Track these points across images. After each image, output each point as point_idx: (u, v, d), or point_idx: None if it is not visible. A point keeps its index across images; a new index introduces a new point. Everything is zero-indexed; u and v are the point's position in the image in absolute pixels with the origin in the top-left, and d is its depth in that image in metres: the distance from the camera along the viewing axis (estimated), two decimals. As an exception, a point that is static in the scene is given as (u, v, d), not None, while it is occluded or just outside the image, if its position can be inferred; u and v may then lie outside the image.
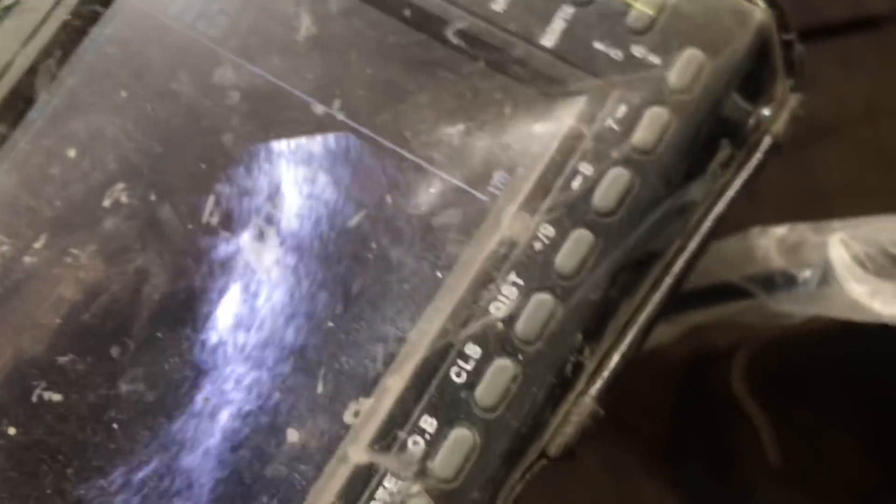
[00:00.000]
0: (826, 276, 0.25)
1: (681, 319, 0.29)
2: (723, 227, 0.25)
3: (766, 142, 0.22)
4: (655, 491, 0.42)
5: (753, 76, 0.22)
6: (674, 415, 0.45)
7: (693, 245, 0.21)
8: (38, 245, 0.22)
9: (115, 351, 0.21)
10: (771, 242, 0.26)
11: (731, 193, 0.22)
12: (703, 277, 0.28)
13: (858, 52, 0.48)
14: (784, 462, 0.41)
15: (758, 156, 0.22)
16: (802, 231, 0.26)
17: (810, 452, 0.42)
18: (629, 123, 0.21)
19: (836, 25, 0.49)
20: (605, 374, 0.21)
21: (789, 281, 0.25)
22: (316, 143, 0.22)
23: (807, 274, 0.25)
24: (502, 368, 0.20)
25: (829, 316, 0.25)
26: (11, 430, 0.21)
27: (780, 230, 0.27)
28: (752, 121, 0.22)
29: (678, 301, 0.29)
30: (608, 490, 0.42)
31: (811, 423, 0.42)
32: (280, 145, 0.22)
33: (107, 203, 0.22)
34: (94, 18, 0.23)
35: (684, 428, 0.44)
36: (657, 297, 0.21)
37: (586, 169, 0.21)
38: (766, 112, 0.22)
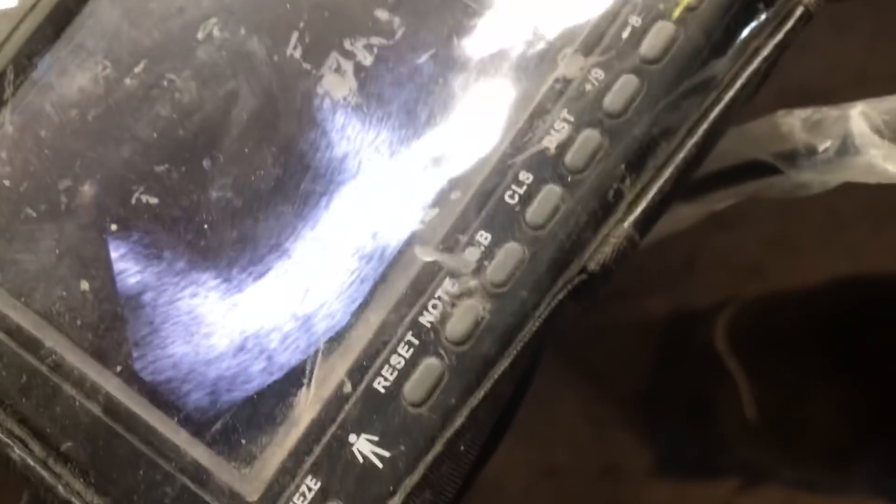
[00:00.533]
0: (846, 144, 0.27)
1: (706, 199, 0.32)
2: (745, 104, 0.27)
3: (800, 10, 0.25)
4: (632, 442, 0.44)
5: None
6: (653, 369, 0.47)
7: (727, 98, 0.24)
8: (138, 69, 0.25)
9: (206, 163, 0.24)
10: (795, 121, 0.29)
11: (764, 54, 0.24)
12: (731, 157, 0.31)
13: (851, 16, 0.48)
14: (761, 418, 0.42)
15: (791, 22, 0.24)
16: (826, 111, 0.28)
17: (787, 409, 0.43)
18: (677, -18, 0.23)
19: None
20: (643, 204, 0.23)
21: (811, 152, 0.27)
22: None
23: (827, 144, 0.27)
24: (551, 192, 0.23)
25: (847, 180, 0.27)
26: (113, 227, 0.24)
27: (804, 112, 0.29)
28: (787, -11, 0.25)
29: (704, 183, 0.32)
30: (586, 440, 0.44)
31: (790, 381, 0.44)
32: (358, -9, 0.24)
33: (200, 35, 0.25)
34: None
35: (663, 382, 0.46)
36: (692, 141, 0.23)
37: (635, 21, 0.23)
38: (800, -19, 0.25)
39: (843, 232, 0.45)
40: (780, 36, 0.25)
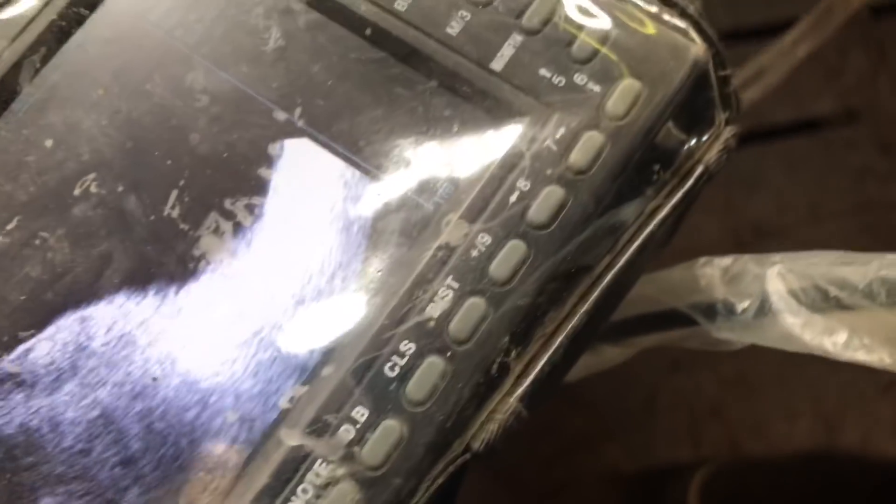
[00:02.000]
0: (763, 306, 0.26)
1: (630, 342, 0.31)
2: (656, 253, 0.26)
3: (699, 170, 0.24)
4: None
5: (688, 107, 0.24)
6: None
7: (621, 262, 0.23)
8: (10, 226, 0.24)
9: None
10: (716, 272, 0.28)
11: (661, 216, 0.23)
12: (651, 304, 0.30)
13: (802, 153, 0.49)
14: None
15: (689, 182, 0.24)
16: (745, 262, 0.27)
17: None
18: (566, 145, 0.23)
19: (780, 127, 0.50)
20: (531, 377, 0.22)
21: (729, 310, 0.26)
22: (275, 147, 0.24)
23: (745, 304, 0.26)
24: (433, 365, 0.21)
25: (765, 345, 0.27)
26: (-30, 398, 0.22)
27: (725, 261, 0.28)
28: (685, 149, 0.24)
29: (627, 326, 0.31)
30: None
31: None
32: (241, 148, 0.24)
33: (77, 191, 0.24)
34: (79, 21, 0.25)
35: None
36: (584, 309, 0.23)
37: (524, 185, 0.23)
38: (700, 141, 0.24)
39: (801, 369, 0.44)
40: (678, 196, 0.24)
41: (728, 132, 0.24)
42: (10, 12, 0.25)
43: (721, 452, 0.46)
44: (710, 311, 0.27)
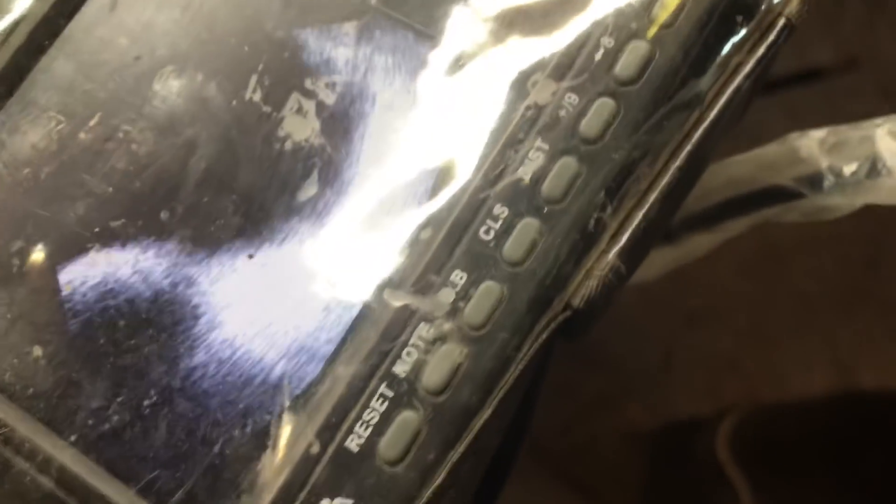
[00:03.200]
0: (875, 166, 0.26)
1: (722, 227, 0.30)
2: (737, 117, 0.26)
3: (781, 22, 0.23)
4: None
5: (768, -42, 0.23)
6: (647, 481, 0.46)
7: (711, 116, 0.22)
8: (92, 123, 0.24)
9: (164, 215, 0.22)
10: (813, 143, 0.27)
11: (747, 69, 0.23)
12: (743, 185, 0.29)
13: (805, 104, 0.48)
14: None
15: (772, 35, 0.23)
16: (842, 132, 0.27)
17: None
18: (649, 0, 0.22)
19: (781, 79, 0.49)
20: (627, 233, 0.22)
21: (837, 175, 0.26)
22: (351, 25, 0.23)
23: (854, 167, 0.26)
24: (528, 225, 0.21)
25: (878, 203, 0.26)
26: (67, 289, 0.22)
27: (819, 133, 0.28)
28: (765, 2, 0.23)
29: (717, 211, 0.31)
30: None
31: (789, 495, 0.43)
32: (318, 29, 0.24)
33: (157, 84, 0.24)
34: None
35: (658, 494, 0.44)
36: (676, 165, 0.22)
37: (608, 42, 0.22)
38: (780, -6, 0.24)
39: (815, 317, 0.44)
40: (761, 50, 0.23)
41: (808, -17, 0.24)
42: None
43: (741, 405, 0.45)
44: (816, 180, 0.27)
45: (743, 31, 0.23)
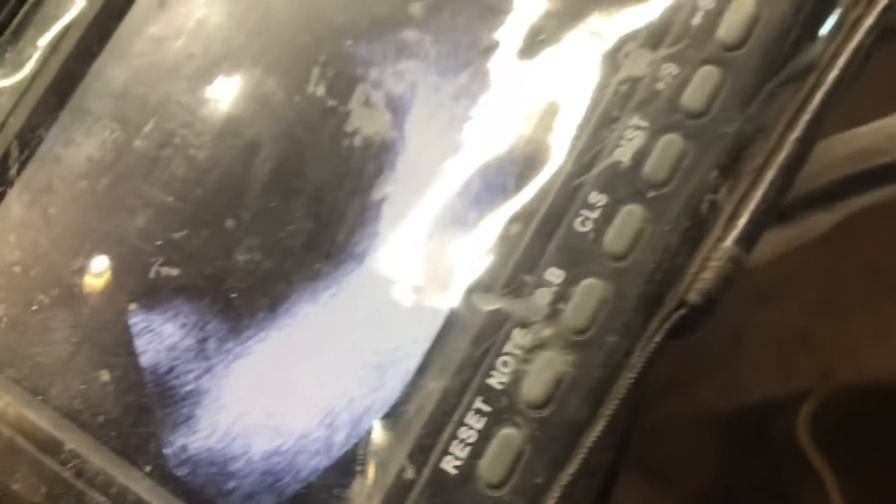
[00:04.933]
0: None
1: (842, 206, 0.28)
2: (855, 80, 0.23)
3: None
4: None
5: None
6: (724, 466, 0.43)
7: (830, 79, 0.20)
8: (147, 129, 0.22)
9: (229, 223, 0.21)
10: None
11: (868, 24, 0.20)
12: (870, 158, 0.27)
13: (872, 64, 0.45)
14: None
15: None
16: None
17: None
18: (753, -48, 0.20)
19: None
20: (746, 216, 0.19)
21: None
22: (416, 6, 0.21)
23: None
24: (631, 213, 0.19)
25: None
26: (132, 307, 0.21)
27: None
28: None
29: (838, 188, 0.28)
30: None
31: (878, 480, 0.40)
32: (381, 12, 0.22)
33: (212, 82, 0.22)
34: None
35: (735, 479, 0.42)
36: (794, 136, 0.20)
37: (707, 2, 0.20)
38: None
39: (890, 291, 0.41)
40: (883, 2, 0.21)
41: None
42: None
43: (814, 381, 0.43)
44: None
45: (857, -14, 0.21)
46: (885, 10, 0.21)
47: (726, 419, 0.44)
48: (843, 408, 0.42)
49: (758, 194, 0.19)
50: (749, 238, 0.19)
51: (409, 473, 0.18)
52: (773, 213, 0.22)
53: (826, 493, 0.38)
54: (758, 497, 0.40)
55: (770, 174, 0.19)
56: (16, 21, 0.24)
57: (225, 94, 0.22)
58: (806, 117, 0.20)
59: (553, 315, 0.18)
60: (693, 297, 0.19)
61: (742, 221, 0.19)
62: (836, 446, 0.40)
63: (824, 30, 0.20)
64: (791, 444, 0.40)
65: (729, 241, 0.19)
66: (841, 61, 0.20)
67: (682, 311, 0.19)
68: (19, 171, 0.22)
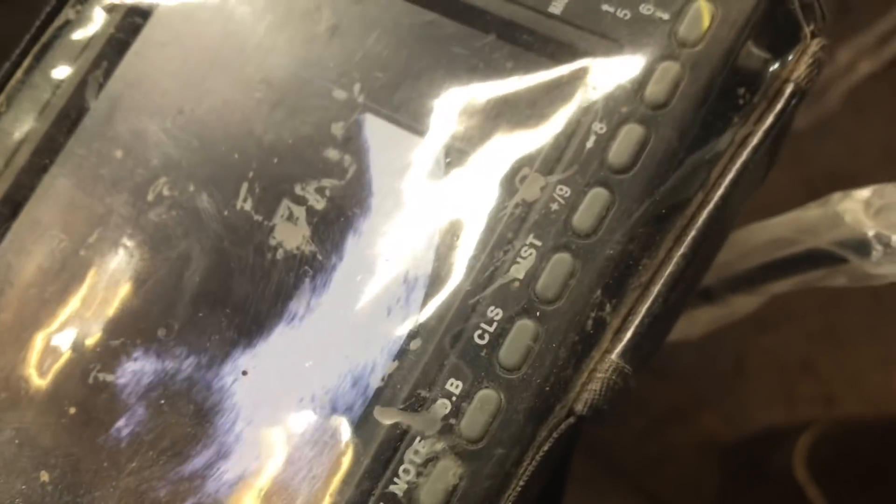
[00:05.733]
0: None
1: (763, 290, 0.29)
2: (754, 187, 0.25)
3: (789, 89, 0.22)
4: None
5: (768, 24, 0.22)
6: (724, 495, 0.44)
7: (716, 198, 0.21)
8: (91, 239, 0.24)
9: (161, 332, 0.22)
10: (857, 206, 0.26)
11: (754, 143, 0.21)
12: (785, 246, 0.28)
13: (869, 95, 0.46)
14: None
15: (780, 104, 0.22)
16: (890, 192, 0.25)
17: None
18: (640, 80, 0.21)
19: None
20: (630, 331, 0.20)
21: (886, 246, 0.24)
22: (338, 126, 0.23)
23: None
24: (523, 328, 0.20)
25: None
26: (72, 410, 0.23)
27: (864, 193, 0.26)
28: (771, 69, 0.22)
29: (759, 273, 0.29)
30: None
31: None
32: (305, 132, 0.23)
33: (151, 196, 0.24)
34: (135, 30, 0.25)
35: None
36: (680, 253, 0.21)
37: (599, 127, 0.21)
38: (786, 58, 0.22)
39: (892, 318, 0.42)
40: (769, 120, 0.22)
41: (816, 45, 0.22)
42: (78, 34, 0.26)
43: (816, 408, 0.43)
44: (862, 246, 0.26)
45: (747, 104, 0.22)
46: (770, 129, 0.22)
47: (726, 448, 0.44)
48: (841, 440, 0.42)
49: (642, 310, 0.20)
50: (634, 351, 0.20)
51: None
52: (670, 320, 0.23)
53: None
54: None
55: (655, 290, 0.21)
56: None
57: (161, 208, 0.23)
58: (692, 234, 0.21)
59: (447, 429, 0.20)
60: (580, 407, 0.20)
61: (627, 336, 0.20)
62: (832, 479, 0.40)
63: (710, 147, 0.22)
64: (788, 475, 0.41)
65: (614, 355, 0.20)
66: (727, 180, 0.22)
67: (570, 421, 0.20)
68: (-25, 278, 0.24)
